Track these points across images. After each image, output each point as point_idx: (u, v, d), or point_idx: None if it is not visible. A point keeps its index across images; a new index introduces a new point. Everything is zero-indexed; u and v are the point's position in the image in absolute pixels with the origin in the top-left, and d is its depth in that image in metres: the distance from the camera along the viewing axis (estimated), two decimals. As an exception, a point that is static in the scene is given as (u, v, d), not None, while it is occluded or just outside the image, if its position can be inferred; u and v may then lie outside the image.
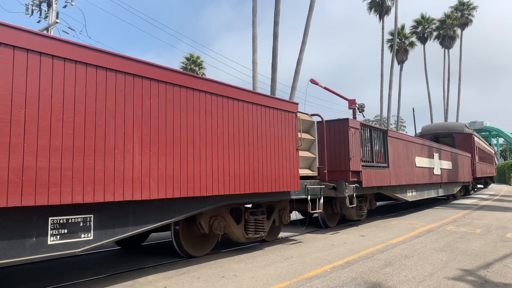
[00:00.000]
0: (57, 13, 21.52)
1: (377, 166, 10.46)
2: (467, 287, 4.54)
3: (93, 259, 6.46)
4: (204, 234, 6.24)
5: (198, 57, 44.96)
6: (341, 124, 9.38)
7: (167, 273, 5.28)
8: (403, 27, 46.24)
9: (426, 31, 50.15)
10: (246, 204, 6.79)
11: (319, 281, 4.76)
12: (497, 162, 63.30)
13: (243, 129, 6.08)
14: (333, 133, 9.44)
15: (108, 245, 6.94)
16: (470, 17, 50.85)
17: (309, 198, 7.64)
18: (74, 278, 5.04)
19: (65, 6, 22.33)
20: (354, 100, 12.38)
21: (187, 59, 44.75)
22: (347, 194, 8.96)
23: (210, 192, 5.38)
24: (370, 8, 41.12)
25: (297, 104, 7.53)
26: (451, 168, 17.56)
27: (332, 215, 9.89)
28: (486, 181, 33.17)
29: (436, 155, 15.51)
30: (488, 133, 73.39)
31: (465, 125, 24.96)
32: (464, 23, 50.87)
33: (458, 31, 51.02)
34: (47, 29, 20.44)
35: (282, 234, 8.50)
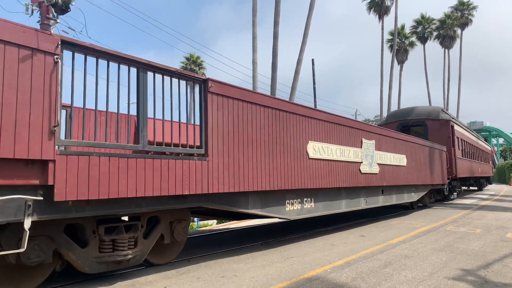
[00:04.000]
0: (57, 13, 21.53)
1: (157, 153, 5.32)
2: (467, 287, 4.54)
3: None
4: None
5: (198, 57, 45.05)
6: None
7: (167, 273, 5.28)
8: (403, 27, 46.35)
9: (426, 31, 50.25)
10: None
11: (319, 281, 4.76)
12: (497, 162, 63.22)
13: None
14: None
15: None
16: (470, 17, 50.96)
17: None
18: (74, 278, 5.04)
19: (65, 6, 22.33)
20: None
21: (187, 59, 44.81)
22: None
23: None
24: (369, 8, 41.20)
25: None
26: (405, 164, 11.97)
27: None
28: (481, 183, 28.60)
29: (368, 143, 9.76)
30: (488, 133, 73.41)
31: (442, 110, 19.29)
32: (464, 23, 50.96)
33: (458, 31, 51.12)
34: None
35: None
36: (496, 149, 75.32)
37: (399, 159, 11.69)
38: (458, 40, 51.32)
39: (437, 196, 16.68)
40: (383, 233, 8.73)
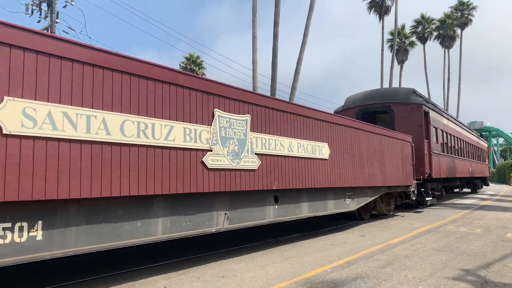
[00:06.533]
0: (57, 13, 21.54)
1: None
2: (467, 287, 4.54)
3: (93, 259, 6.46)
4: None
5: (198, 57, 45.01)
6: None
7: (167, 273, 5.28)
8: (403, 27, 46.39)
9: (426, 31, 50.29)
10: None
11: (319, 281, 4.76)
12: (497, 162, 63.14)
13: None
14: None
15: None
16: (470, 17, 51.03)
17: None
18: (74, 278, 5.04)
19: (65, 6, 22.39)
20: None
21: (187, 59, 44.76)
22: None
23: None
24: (370, 8, 41.23)
25: None
26: (327, 157, 7.99)
27: None
28: (475, 184, 25.41)
29: (230, 119, 5.85)
30: (488, 133, 73.46)
31: (414, 92, 14.80)
32: (464, 23, 51.02)
33: (458, 31, 51.17)
34: (47, 29, 20.46)
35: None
36: (496, 149, 75.35)
37: (314, 149, 7.65)
38: (458, 40, 51.40)
39: (392, 202, 12.17)
40: (383, 233, 8.73)
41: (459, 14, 50.90)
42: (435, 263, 5.68)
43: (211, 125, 5.51)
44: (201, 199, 5.50)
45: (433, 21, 50.31)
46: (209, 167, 5.37)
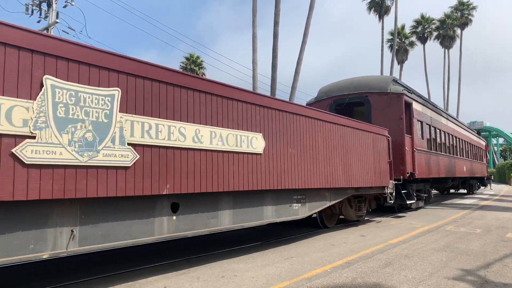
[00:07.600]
0: (57, 13, 21.55)
1: None
2: (467, 287, 4.54)
3: (93, 259, 6.46)
4: None
5: (198, 57, 45.03)
6: None
7: (167, 273, 5.28)
8: (403, 27, 46.44)
9: (426, 31, 50.33)
10: None
11: (319, 281, 4.76)
12: (497, 162, 63.19)
13: None
14: None
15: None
16: (470, 17, 51.06)
17: None
18: (74, 278, 5.05)
19: (65, 6, 22.37)
20: None
21: (187, 59, 44.79)
22: None
23: None
24: (369, 8, 41.27)
25: None
26: (260, 151, 6.22)
27: None
28: (471, 184, 23.89)
29: (76, 91, 3.95)
30: (488, 133, 73.48)
31: (395, 80, 13.43)
32: (464, 23, 51.06)
33: (458, 31, 51.21)
34: (47, 29, 20.45)
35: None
36: (496, 149, 75.36)
37: (240, 141, 5.87)
38: (458, 40, 51.44)
39: (365, 207, 10.42)
40: (383, 233, 8.73)
41: (459, 14, 50.92)
42: (435, 263, 5.68)
43: (35, 100, 3.67)
44: (21, 212, 3.67)
45: (433, 21, 50.34)
46: (27, 162, 3.54)
